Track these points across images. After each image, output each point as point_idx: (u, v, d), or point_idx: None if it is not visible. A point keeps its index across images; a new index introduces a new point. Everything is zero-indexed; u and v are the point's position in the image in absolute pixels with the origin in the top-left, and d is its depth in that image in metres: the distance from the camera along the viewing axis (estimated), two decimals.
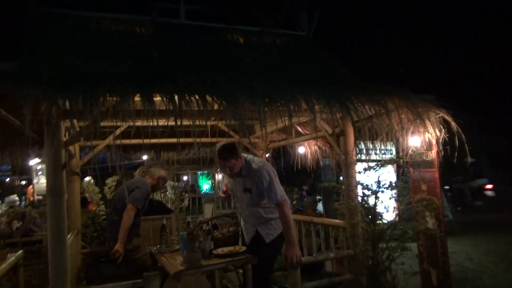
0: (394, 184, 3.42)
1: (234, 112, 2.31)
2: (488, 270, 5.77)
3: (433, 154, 3.36)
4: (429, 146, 3.37)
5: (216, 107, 2.64)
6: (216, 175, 13.92)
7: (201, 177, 17.35)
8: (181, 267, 3.36)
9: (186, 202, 9.61)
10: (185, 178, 16.25)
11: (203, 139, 5.18)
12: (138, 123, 2.96)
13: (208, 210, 8.14)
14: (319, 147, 5.12)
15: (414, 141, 3.38)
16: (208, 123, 4.50)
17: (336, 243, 3.91)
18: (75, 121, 3.68)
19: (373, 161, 3.83)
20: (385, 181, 3.49)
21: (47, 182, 2.72)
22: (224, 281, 4.67)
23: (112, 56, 3.32)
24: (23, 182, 13.28)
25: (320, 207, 8.68)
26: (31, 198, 9.38)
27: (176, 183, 9.10)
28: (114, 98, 2.28)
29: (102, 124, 2.60)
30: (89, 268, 3.74)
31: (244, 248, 3.82)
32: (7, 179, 12.80)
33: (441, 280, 3.42)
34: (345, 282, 3.51)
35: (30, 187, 9.74)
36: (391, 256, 3.10)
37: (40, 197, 8.49)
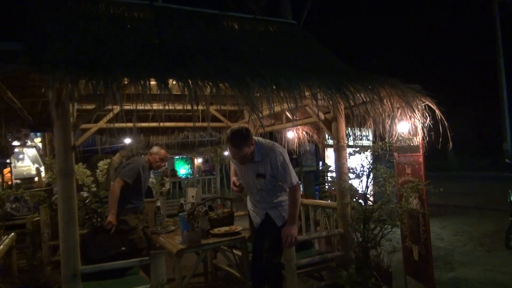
0: (380, 168, 3.67)
1: (246, 97, 2.45)
2: (458, 248, 6.24)
3: (418, 140, 3.63)
4: (415, 132, 3.63)
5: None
6: (195, 160, 14.03)
7: (177, 162, 17.39)
8: (182, 246, 3.52)
9: (167, 186, 9.70)
10: None
11: (187, 124, 5.27)
12: (127, 107, 3.00)
13: (191, 193, 8.28)
14: (306, 132, 5.33)
15: (402, 127, 3.63)
16: (200, 107, 4.60)
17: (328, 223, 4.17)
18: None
19: (357, 146, 4.07)
20: (368, 165, 3.75)
21: (58, 164, 2.78)
22: (215, 261, 4.87)
23: (114, 41, 3.36)
24: None
25: None
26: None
27: None
28: (131, 83, 2.37)
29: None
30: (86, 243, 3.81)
31: (240, 227, 4.01)
32: None
33: (422, 255, 3.73)
34: (336, 258, 3.76)
35: (6, 170, 9.53)
36: (381, 233, 3.36)
37: (18, 181, 8.34)
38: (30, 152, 9.38)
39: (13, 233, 4.38)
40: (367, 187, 3.52)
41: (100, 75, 2.30)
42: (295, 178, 3.18)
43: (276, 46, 4.21)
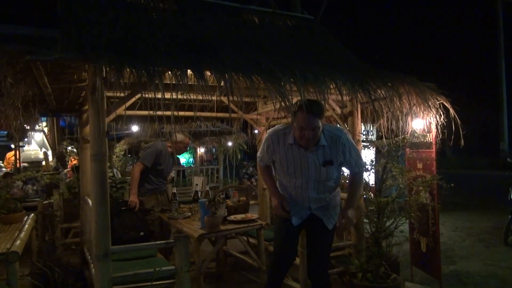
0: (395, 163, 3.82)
1: (278, 91, 2.57)
2: (457, 243, 6.44)
3: (431, 137, 3.78)
4: (429, 129, 3.78)
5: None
6: (198, 149, 14.15)
7: None
8: (203, 231, 3.66)
9: (172, 174, 9.83)
10: None
11: (207, 114, 5.40)
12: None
13: (198, 182, 8.41)
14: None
15: (417, 123, 3.78)
16: (214, 98, 4.73)
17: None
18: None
19: (368, 141, 4.22)
20: (383, 160, 3.90)
21: (91, 148, 2.90)
22: (225, 247, 5.02)
23: (144, 31, 3.46)
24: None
25: None
26: (10, 166, 9.26)
27: None
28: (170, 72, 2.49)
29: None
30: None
31: (255, 215, 4.17)
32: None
33: (430, 247, 3.90)
34: (347, 247, 3.93)
35: (10, 153, 9.60)
36: (395, 224, 3.53)
37: (25, 164, 8.43)
38: (37, 136, 9.44)
39: (32, 214, 4.51)
40: (381, 180, 3.66)
41: (142, 65, 2.41)
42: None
43: (295, 40, 4.32)
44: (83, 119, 4.60)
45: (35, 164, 8.55)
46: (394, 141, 3.76)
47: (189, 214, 4.35)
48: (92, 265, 3.56)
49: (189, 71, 2.59)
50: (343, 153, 2.76)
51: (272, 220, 4.14)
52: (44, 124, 10.16)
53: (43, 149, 8.97)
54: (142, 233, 4.13)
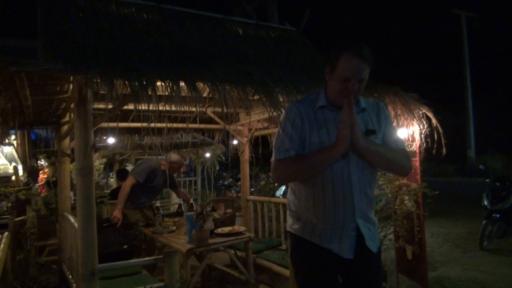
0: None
1: (270, 102, 2.56)
2: (436, 249, 6.58)
3: (415, 145, 3.86)
4: (412, 138, 3.86)
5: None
6: None
7: None
8: (190, 245, 3.58)
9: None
10: None
11: (193, 125, 5.33)
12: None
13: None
14: None
15: (402, 133, 3.85)
16: (196, 109, 4.69)
17: None
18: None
19: None
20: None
21: (77, 162, 2.79)
22: (210, 261, 4.93)
23: (129, 41, 3.39)
24: None
25: (279, 193, 9.13)
26: None
27: None
28: (163, 84, 2.44)
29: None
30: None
31: (243, 227, 4.11)
32: None
33: (416, 255, 3.96)
34: None
35: None
36: (384, 232, 3.56)
37: None
38: (6, 150, 9.07)
39: (6, 232, 4.28)
40: None
41: (134, 76, 2.35)
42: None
43: (279, 51, 4.35)
44: (62, 131, 4.44)
45: (4, 179, 8.19)
46: None
47: (174, 228, 4.25)
48: (74, 284, 3.41)
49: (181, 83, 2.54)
50: (383, 122, 1.99)
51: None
52: (13, 137, 9.78)
53: (13, 163, 8.60)
54: (125, 246, 4.01)
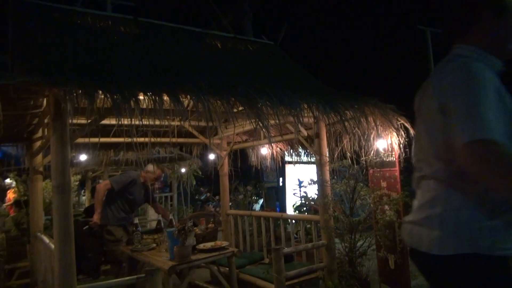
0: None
1: (256, 114, 2.54)
2: None
3: (395, 156, 3.92)
4: (392, 149, 3.92)
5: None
6: None
7: None
8: (172, 263, 3.47)
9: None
10: None
11: (165, 139, 5.24)
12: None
13: (153, 211, 8.08)
14: (280, 148, 5.50)
15: (381, 143, 3.91)
16: (175, 123, 4.62)
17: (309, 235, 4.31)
18: None
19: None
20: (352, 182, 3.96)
21: (54, 179, 2.67)
22: (188, 279, 4.80)
23: (106, 54, 3.32)
24: None
25: (257, 207, 9.09)
26: None
27: None
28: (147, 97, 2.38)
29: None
30: None
31: (226, 242, 4.03)
32: None
33: (398, 264, 3.98)
34: (321, 269, 3.91)
35: None
36: (367, 242, 3.57)
37: None
38: None
39: None
40: (353, 201, 3.72)
41: (115, 89, 2.28)
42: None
43: (258, 64, 4.36)
44: (34, 148, 4.27)
45: None
46: (364, 161, 3.85)
47: (154, 245, 4.12)
48: None
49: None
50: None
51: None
52: None
53: None
54: (103, 259, 4.19)
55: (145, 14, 4.34)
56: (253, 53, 4.60)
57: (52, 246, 3.05)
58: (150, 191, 4.83)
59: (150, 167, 4.70)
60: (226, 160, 5.47)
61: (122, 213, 4.56)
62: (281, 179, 9.07)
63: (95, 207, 4.36)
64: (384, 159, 4.08)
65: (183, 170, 10.57)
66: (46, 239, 3.48)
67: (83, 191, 11.04)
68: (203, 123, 4.89)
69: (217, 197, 10.93)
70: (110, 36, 3.63)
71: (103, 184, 4.53)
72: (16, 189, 6.72)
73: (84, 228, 4.21)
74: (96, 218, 4.26)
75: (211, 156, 6.66)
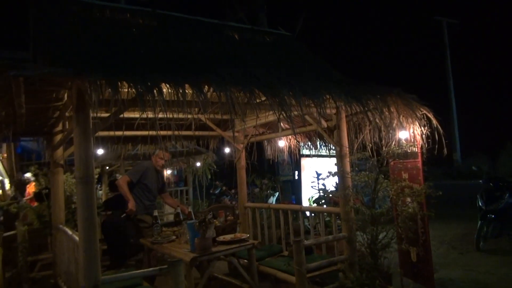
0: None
1: (280, 104, 2.51)
2: (433, 251, 6.53)
3: (417, 147, 3.85)
4: (414, 139, 3.85)
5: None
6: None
7: None
8: (193, 254, 3.48)
9: None
10: None
11: (186, 132, 5.25)
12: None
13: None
14: (297, 141, 5.45)
15: (403, 134, 3.84)
16: (190, 116, 4.62)
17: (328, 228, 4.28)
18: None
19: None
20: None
21: (78, 171, 2.68)
22: (209, 270, 4.82)
23: (125, 46, 3.32)
24: None
25: (272, 200, 9.05)
26: None
27: None
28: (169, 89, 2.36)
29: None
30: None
31: (246, 234, 4.03)
32: None
33: (421, 257, 3.93)
34: (341, 261, 3.87)
35: None
36: (390, 234, 3.52)
37: None
38: None
39: None
40: (375, 193, 3.67)
41: (139, 80, 2.27)
42: None
43: (276, 55, 4.32)
44: (54, 141, 4.31)
45: None
46: (385, 152, 3.79)
47: (174, 237, 4.13)
48: None
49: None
50: None
51: None
52: None
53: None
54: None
55: (159, 6, 4.33)
56: (271, 45, 4.55)
57: (76, 237, 3.08)
58: (163, 176, 5.14)
59: (159, 151, 4.91)
60: (243, 153, 5.46)
61: (147, 201, 4.80)
62: (296, 172, 9.02)
63: (125, 197, 4.53)
64: (406, 150, 4.01)
65: (198, 164, 10.60)
66: (69, 231, 3.51)
67: (99, 185, 11.17)
68: (219, 116, 4.90)
69: (233, 191, 10.95)
70: (129, 28, 3.63)
71: (122, 179, 4.71)
72: (35, 183, 6.80)
73: (122, 216, 4.42)
74: (131, 205, 4.45)
75: (226, 150, 6.66)
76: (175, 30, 3.92)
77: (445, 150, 3.81)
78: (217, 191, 13.49)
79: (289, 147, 5.77)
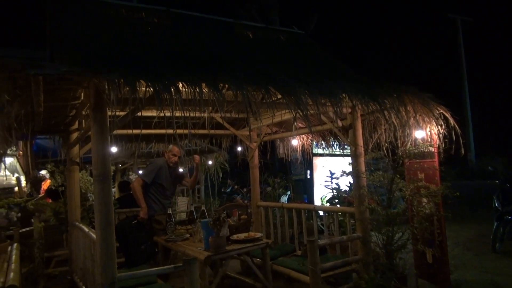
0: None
1: (296, 103, 2.49)
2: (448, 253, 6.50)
3: (434, 147, 3.79)
4: (430, 139, 3.80)
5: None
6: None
7: None
8: (208, 253, 3.48)
9: None
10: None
11: (200, 131, 5.26)
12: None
13: (183, 203, 8.17)
14: (311, 140, 5.43)
15: (419, 134, 3.79)
16: (205, 114, 4.63)
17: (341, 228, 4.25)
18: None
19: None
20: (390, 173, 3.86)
21: (95, 169, 2.71)
22: (224, 269, 4.82)
23: (141, 45, 3.33)
24: None
25: (284, 199, 9.03)
26: None
27: None
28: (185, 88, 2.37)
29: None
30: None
31: (260, 234, 4.02)
32: None
33: (437, 258, 3.87)
34: (356, 261, 3.84)
35: None
36: (406, 235, 3.48)
37: None
38: (8, 160, 8.93)
39: (16, 244, 4.17)
40: (391, 192, 3.63)
41: (157, 79, 2.28)
42: None
43: (290, 54, 4.30)
44: (71, 139, 4.36)
45: (7, 190, 8.05)
46: (400, 151, 3.75)
47: (188, 235, 4.15)
48: None
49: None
50: None
51: None
52: (14, 148, 9.65)
53: (16, 174, 8.48)
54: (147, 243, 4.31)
55: (171, 4, 4.34)
56: (285, 43, 4.54)
57: (92, 234, 3.11)
58: (177, 174, 5.07)
59: (169, 147, 4.89)
60: (256, 152, 5.45)
61: (165, 199, 4.80)
62: (308, 171, 8.98)
63: (138, 203, 4.48)
64: (423, 149, 3.96)
65: (209, 162, 10.63)
66: (85, 228, 3.55)
67: (113, 183, 11.26)
68: (234, 115, 4.90)
69: (245, 189, 10.96)
70: (144, 27, 3.65)
71: (136, 182, 4.67)
72: (51, 180, 6.90)
73: (133, 222, 4.34)
74: (143, 213, 4.39)
75: (239, 148, 6.66)
76: (189, 29, 3.93)
77: (462, 150, 3.75)
78: (228, 190, 13.51)
79: (302, 146, 5.75)
